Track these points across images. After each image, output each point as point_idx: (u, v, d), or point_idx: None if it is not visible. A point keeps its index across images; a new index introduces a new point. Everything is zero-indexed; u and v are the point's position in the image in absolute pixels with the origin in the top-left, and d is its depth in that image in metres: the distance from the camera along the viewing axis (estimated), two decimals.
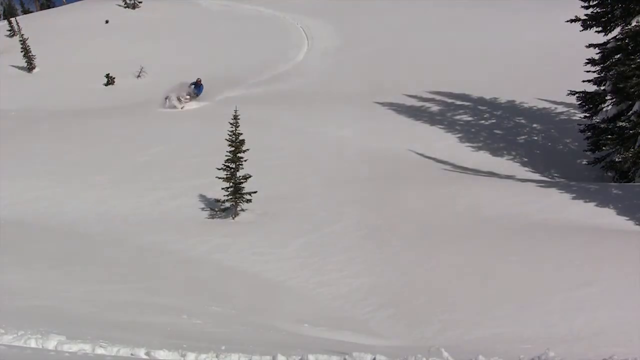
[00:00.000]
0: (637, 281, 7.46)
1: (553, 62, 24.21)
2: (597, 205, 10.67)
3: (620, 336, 6.41)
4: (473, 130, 19.18)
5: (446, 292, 8.23)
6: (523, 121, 19.42)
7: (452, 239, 10.10)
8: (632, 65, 13.16)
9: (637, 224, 9.64)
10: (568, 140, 17.46)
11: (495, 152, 17.22)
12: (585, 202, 10.99)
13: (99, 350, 4.71)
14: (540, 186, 12.95)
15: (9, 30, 41.17)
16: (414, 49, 31.89)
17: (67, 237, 11.00)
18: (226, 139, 12.75)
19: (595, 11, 14.82)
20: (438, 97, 22.84)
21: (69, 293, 7.00)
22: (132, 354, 4.82)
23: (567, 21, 15.45)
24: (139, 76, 33.20)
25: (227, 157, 12.52)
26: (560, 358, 5.39)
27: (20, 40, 33.77)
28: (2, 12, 63.97)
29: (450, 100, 22.30)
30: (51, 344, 4.56)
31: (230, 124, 12.49)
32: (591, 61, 14.97)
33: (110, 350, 4.78)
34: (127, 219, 12.35)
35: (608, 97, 14.91)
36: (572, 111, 19.15)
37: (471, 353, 6.15)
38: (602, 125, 14.60)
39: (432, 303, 7.98)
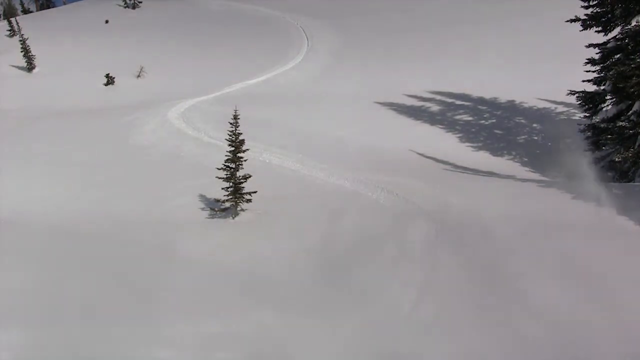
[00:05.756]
0: (637, 281, 7.46)
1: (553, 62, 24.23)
2: (597, 205, 10.65)
3: (620, 336, 6.40)
4: (473, 130, 19.18)
5: (446, 292, 8.21)
6: (523, 121, 19.42)
7: (452, 239, 10.08)
8: (632, 65, 13.13)
9: (637, 224, 9.63)
10: (568, 140, 17.46)
11: (495, 152, 17.21)
12: (585, 202, 10.98)
13: (99, 350, 4.72)
14: (540, 186, 12.94)
15: (9, 30, 41.22)
16: (414, 48, 31.92)
17: (67, 237, 10.99)
18: (226, 139, 12.75)
19: (595, 11, 14.80)
20: (438, 97, 22.85)
21: (69, 293, 6.99)
22: (132, 354, 4.83)
23: (567, 21, 15.44)
24: (139, 76, 33.22)
25: (227, 157, 12.52)
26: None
27: (20, 40, 33.80)
28: (2, 12, 63.97)
29: (450, 100, 22.31)
30: (52, 344, 4.56)
31: (230, 123, 12.49)
32: (591, 61, 14.95)
33: (110, 350, 4.78)
34: (127, 218, 12.35)
35: (608, 97, 14.90)
36: (572, 111, 19.16)
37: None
38: (602, 125, 14.59)
39: (433, 303, 7.97)
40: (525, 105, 20.69)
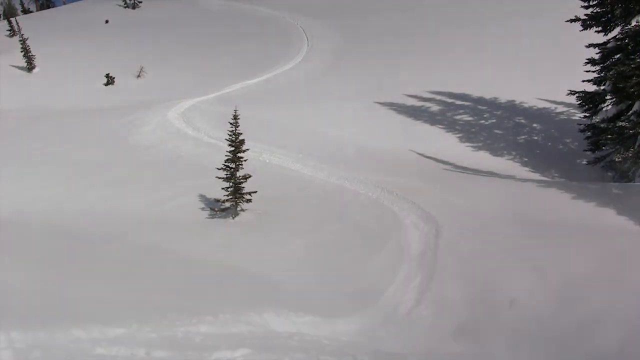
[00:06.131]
0: (638, 281, 7.46)
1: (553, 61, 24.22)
2: (597, 205, 10.66)
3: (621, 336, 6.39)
4: (473, 130, 19.18)
5: (446, 292, 8.21)
6: (523, 121, 19.42)
7: (452, 239, 10.09)
8: (632, 65, 13.13)
9: (637, 224, 9.63)
10: (568, 140, 17.46)
11: (495, 152, 17.21)
12: (585, 202, 10.98)
13: (99, 350, 4.72)
14: (540, 186, 12.94)
15: (9, 30, 41.22)
16: (414, 48, 31.91)
17: (67, 237, 11.00)
18: (226, 139, 12.75)
19: (595, 11, 14.80)
20: (438, 97, 22.85)
21: (69, 293, 6.99)
22: (132, 354, 4.82)
23: (567, 21, 15.44)
24: (139, 76, 33.22)
25: (227, 157, 12.52)
26: None
27: (20, 40, 33.78)
28: (2, 12, 64.02)
29: (450, 100, 22.31)
30: (52, 344, 4.56)
31: (230, 123, 12.49)
32: (591, 61, 14.95)
33: (110, 350, 4.78)
34: (128, 218, 12.36)
35: (608, 97, 14.89)
36: (572, 111, 19.15)
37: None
38: (602, 125, 14.59)
39: (435, 305, 7.96)
40: (525, 105, 20.69)
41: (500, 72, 25.01)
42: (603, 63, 14.73)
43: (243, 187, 12.48)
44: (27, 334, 4.57)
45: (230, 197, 12.38)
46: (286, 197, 13.44)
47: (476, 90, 22.87)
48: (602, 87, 15.05)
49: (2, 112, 24.68)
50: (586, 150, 15.40)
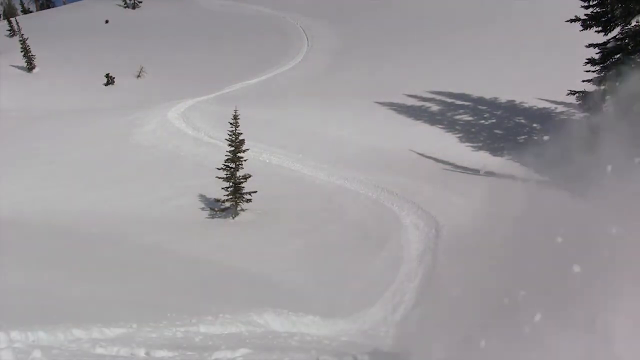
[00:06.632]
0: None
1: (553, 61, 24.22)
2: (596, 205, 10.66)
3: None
4: (473, 130, 19.17)
5: (446, 292, 8.21)
6: (523, 121, 19.41)
7: (452, 238, 10.10)
8: (632, 65, 13.13)
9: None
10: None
11: (495, 152, 17.21)
12: (586, 201, 10.99)
13: (99, 350, 4.72)
14: (540, 186, 12.95)
15: (9, 30, 41.19)
16: (415, 48, 31.91)
17: (67, 237, 11.00)
18: (226, 139, 12.76)
19: (595, 11, 14.79)
20: (438, 97, 22.83)
21: (69, 293, 6.99)
22: (132, 354, 4.83)
23: (567, 21, 15.44)
24: (139, 76, 33.21)
25: (227, 157, 12.53)
26: None
27: (20, 40, 33.73)
28: (2, 12, 63.98)
29: (450, 100, 22.30)
30: (51, 345, 4.56)
31: (230, 123, 12.49)
32: (591, 61, 14.94)
33: (110, 350, 4.79)
34: (128, 218, 12.36)
35: (608, 97, 14.88)
36: (572, 111, 19.14)
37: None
38: None
39: (437, 305, 7.95)
40: (525, 105, 20.68)
41: (500, 72, 24.99)
42: (603, 63, 14.71)
43: (243, 187, 12.48)
44: (27, 334, 4.57)
45: (230, 197, 12.39)
46: (286, 197, 13.44)
47: (476, 90, 22.84)
48: (602, 87, 15.04)
49: (2, 112, 24.65)
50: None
